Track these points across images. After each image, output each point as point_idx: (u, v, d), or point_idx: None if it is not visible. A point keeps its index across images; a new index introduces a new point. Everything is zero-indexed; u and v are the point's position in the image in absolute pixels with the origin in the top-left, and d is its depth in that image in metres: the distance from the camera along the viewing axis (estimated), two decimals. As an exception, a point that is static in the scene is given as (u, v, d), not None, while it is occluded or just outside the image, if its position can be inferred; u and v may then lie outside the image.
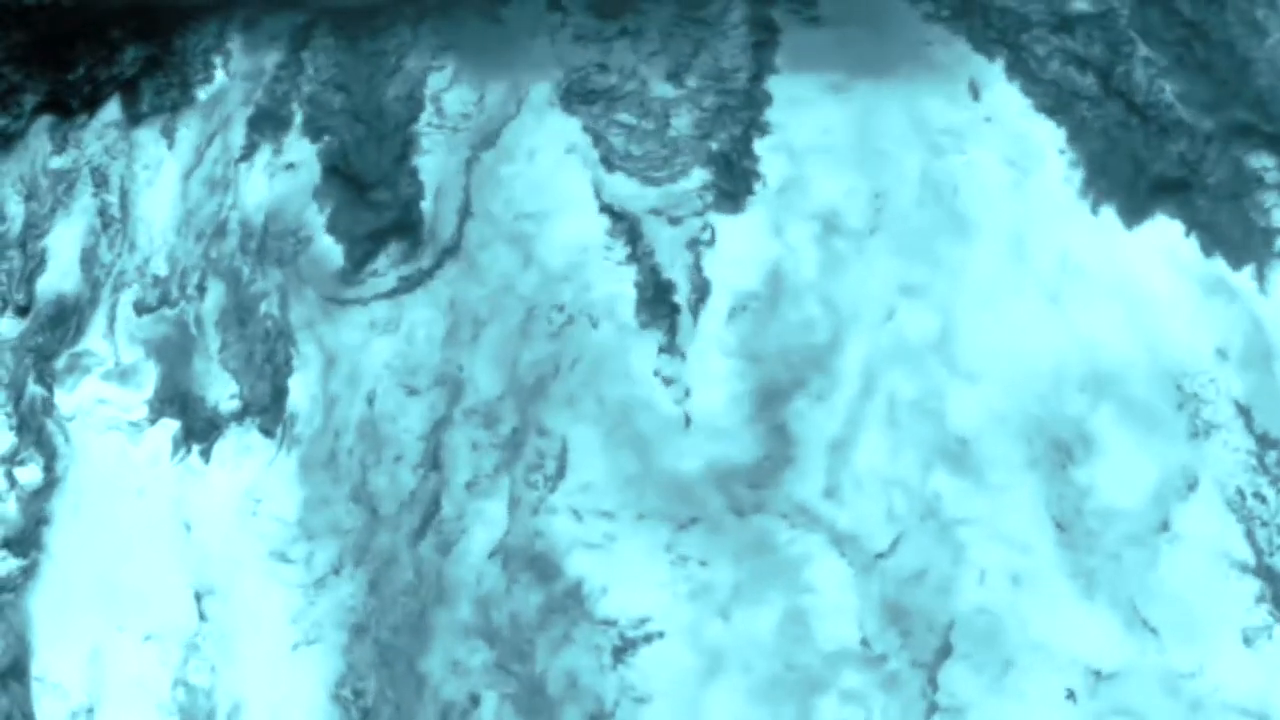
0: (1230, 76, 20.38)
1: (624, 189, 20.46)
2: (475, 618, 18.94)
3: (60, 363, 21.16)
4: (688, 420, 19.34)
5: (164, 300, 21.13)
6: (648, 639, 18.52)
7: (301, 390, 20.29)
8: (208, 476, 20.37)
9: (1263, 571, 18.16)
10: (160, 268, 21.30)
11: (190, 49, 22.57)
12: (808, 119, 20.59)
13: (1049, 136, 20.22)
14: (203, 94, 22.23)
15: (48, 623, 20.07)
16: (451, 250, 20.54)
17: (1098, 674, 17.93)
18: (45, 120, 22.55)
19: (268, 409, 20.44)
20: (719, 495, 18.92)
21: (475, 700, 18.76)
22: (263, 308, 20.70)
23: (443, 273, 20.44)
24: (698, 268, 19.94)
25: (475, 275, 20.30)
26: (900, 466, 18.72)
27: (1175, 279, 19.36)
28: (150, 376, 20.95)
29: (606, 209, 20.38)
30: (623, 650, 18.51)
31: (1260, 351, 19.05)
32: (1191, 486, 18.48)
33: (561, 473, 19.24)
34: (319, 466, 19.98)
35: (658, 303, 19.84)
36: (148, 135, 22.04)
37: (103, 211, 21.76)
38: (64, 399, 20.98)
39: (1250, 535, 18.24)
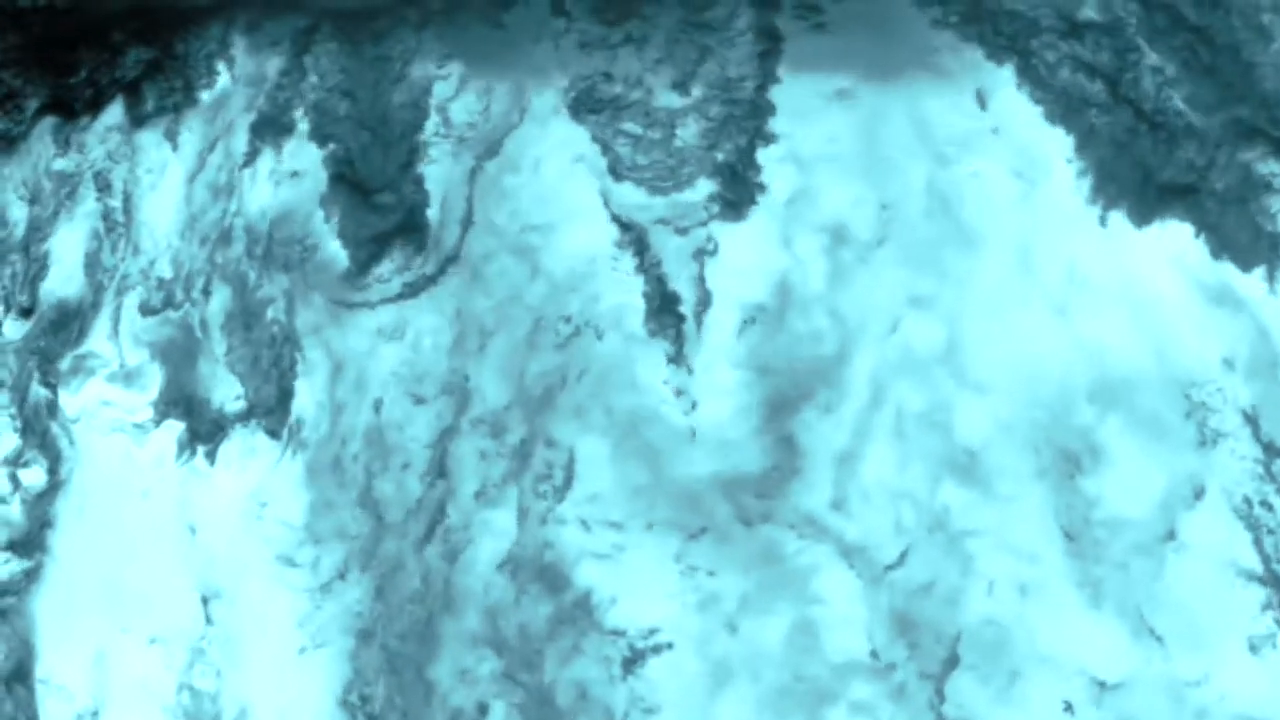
0: (1236, 81, 20.18)
1: (630, 199, 20.20)
2: (484, 627, 18.72)
3: (64, 364, 20.86)
4: (695, 431, 19.08)
5: (169, 302, 20.84)
6: (656, 650, 18.33)
7: (308, 395, 20.02)
8: (213, 478, 20.12)
9: (1269, 579, 17.97)
10: (165, 270, 21.01)
11: (192, 52, 22.24)
12: (814, 128, 20.32)
13: (1056, 145, 19.94)
14: (206, 96, 21.91)
15: (52, 625, 19.80)
16: (456, 259, 20.31)
17: (1104, 684, 17.76)
18: (48, 122, 22.21)
19: (273, 410, 20.18)
20: (727, 506, 18.68)
21: (484, 709, 18.55)
22: (269, 313, 20.45)
23: (448, 280, 20.22)
24: (705, 279, 19.72)
25: (481, 286, 20.04)
26: (908, 478, 18.51)
27: (1182, 288, 19.15)
28: (155, 378, 20.66)
29: (613, 220, 20.12)
30: (632, 661, 18.29)
31: (1267, 361, 18.85)
32: (1199, 495, 18.28)
33: (570, 483, 19.00)
34: (325, 471, 19.72)
35: (665, 314, 19.60)
36: (151, 139, 21.73)
37: (106, 215, 21.45)
38: (68, 401, 20.71)
39: (1258, 543, 18.09)
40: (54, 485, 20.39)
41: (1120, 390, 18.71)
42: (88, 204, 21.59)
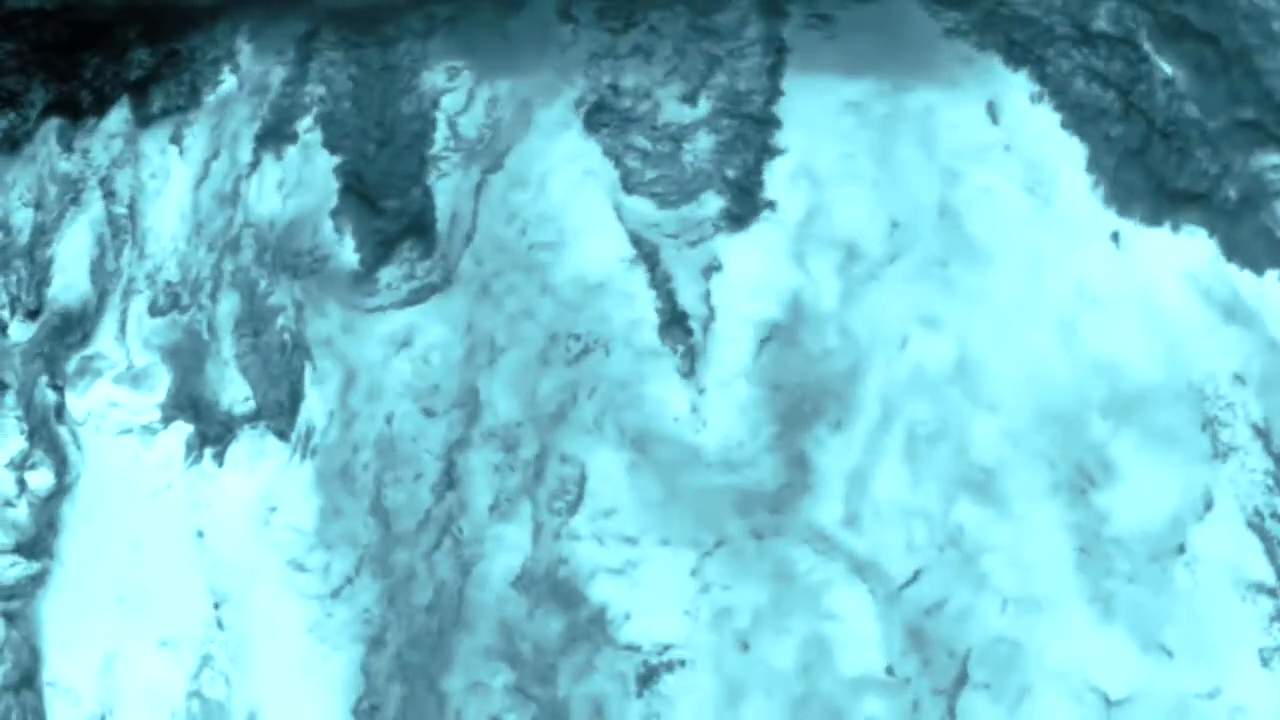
0: (1247, 88, 19.86)
1: (640, 215, 19.89)
2: (497, 640, 18.52)
3: (71, 366, 20.62)
4: (708, 447, 18.81)
5: (176, 304, 20.58)
6: (670, 666, 18.13)
7: (319, 403, 19.81)
8: (221, 480, 19.89)
9: (1280, 591, 17.16)
10: (172, 274, 20.73)
11: (198, 53, 21.93)
12: (824, 142, 19.96)
13: (1068, 158, 19.62)
14: (211, 99, 21.60)
15: (60, 628, 19.64)
16: (464, 274, 20.05)
17: (1114, 699, 17.60)
18: (53, 124, 21.92)
19: (282, 412, 19.95)
20: (741, 521, 18.45)
21: (497, 723, 17.75)
22: (279, 320, 20.21)
23: (457, 293, 19.97)
24: (716, 295, 19.43)
25: (491, 301, 19.75)
26: (920, 495, 18.28)
27: (1194, 303, 18.86)
28: (163, 380, 20.44)
29: (623, 236, 19.80)
30: (647, 678, 18.10)
31: (1278, 376, 18.56)
32: (1210, 508, 18.05)
33: (583, 499, 18.74)
34: (335, 478, 19.50)
35: (677, 330, 19.31)
36: (156, 143, 21.50)
37: (111, 219, 21.18)
38: (75, 402, 20.48)
39: (1269, 555, 17.89)
40: (61, 487, 20.17)
41: (1133, 405, 18.42)
42: (93, 208, 21.30)
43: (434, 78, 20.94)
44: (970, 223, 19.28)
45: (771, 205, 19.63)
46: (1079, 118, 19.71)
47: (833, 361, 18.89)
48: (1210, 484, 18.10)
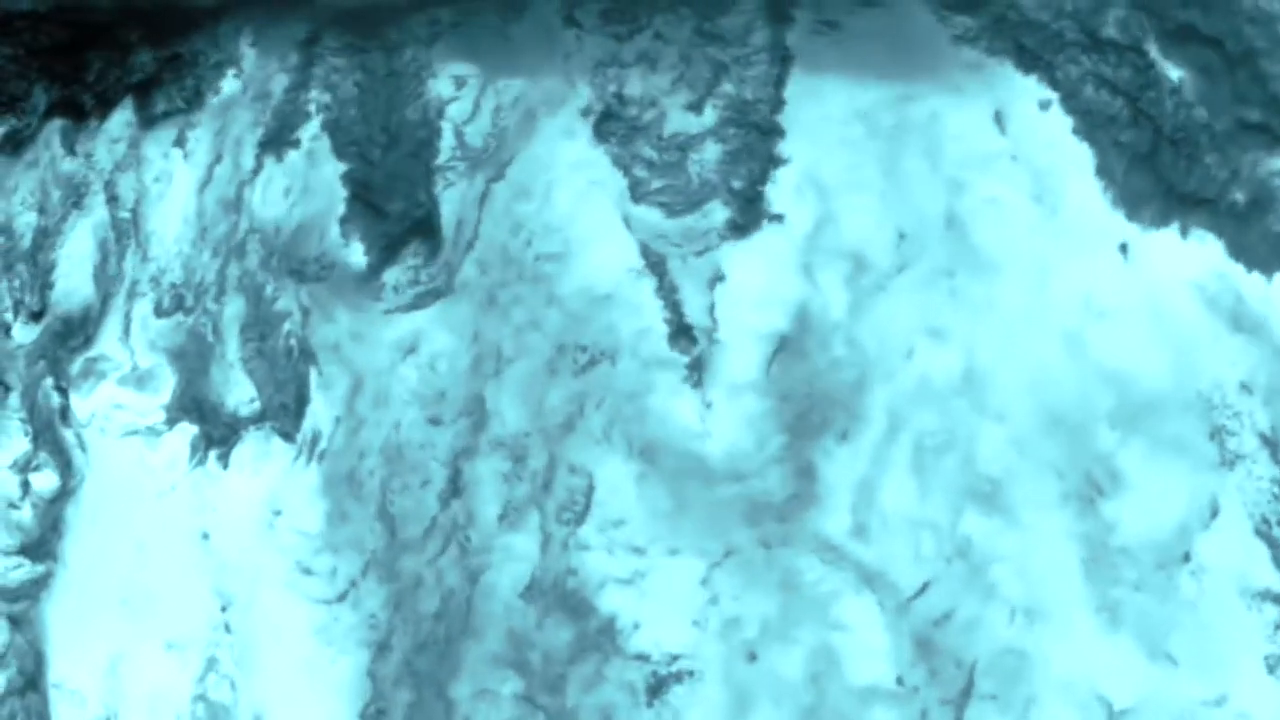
0: (1254, 92, 19.51)
1: (647, 226, 19.57)
2: (506, 648, 18.34)
3: (75, 368, 20.40)
4: (716, 458, 18.58)
5: (180, 306, 20.34)
6: (679, 677, 17.96)
7: (325, 409, 19.58)
8: (227, 482, 19.67)
9: (1286, 599, 17.11)
10: (176, 276, 20.49)
11: (201, 55, 21.58)
12: (831, 152, 19.63)
13: (1077, 165, 19.30)
14: (215, 101, 21.31)
15: (65, 631, 19.44)
16: (470, 283, 19.79)
17: (1119, 708, 17.45)
18: (56, 124, 21.60)
19: (287, 413, 19.72)
20: (749, 532, 18.26)
21: (506, 731, 17.67)
22: (286, 326, 19.97)
23: (462, 302, 19.71)
24: (723, 306, 19.14)
25: (497, 312, 19.49)
26: (928, 506, 18.06)
27: (1201, 313, 18.59)
28: (167, 381, 20.20)
29: (629, 246, 19.51)
30: (656, 688, 17.95)
31: (1286, 384, 17.88)
32: (1216, 516, 17.84)
33: (592, 509, 18.53)
34: (342, 482, 19.29)
35: (684, 341, 19.05)
36: (159, 146, 21.20)
37: (115, 222, 20.93)
38: (80, 404, 20.26)
39: (1277, 562, 17.67)
40: (66, 489, 19.96)
41: (1141, 414, 18.20)
42: (96, 210, 21.01)
43: (440, 86, 20.66)
44: (977, 233, 19.00)
45: (778, 216, 19.32)
46: (1089, 124, 19.42)
47: (840, 372, 18.64)
48: (1217, 492, 17.88)
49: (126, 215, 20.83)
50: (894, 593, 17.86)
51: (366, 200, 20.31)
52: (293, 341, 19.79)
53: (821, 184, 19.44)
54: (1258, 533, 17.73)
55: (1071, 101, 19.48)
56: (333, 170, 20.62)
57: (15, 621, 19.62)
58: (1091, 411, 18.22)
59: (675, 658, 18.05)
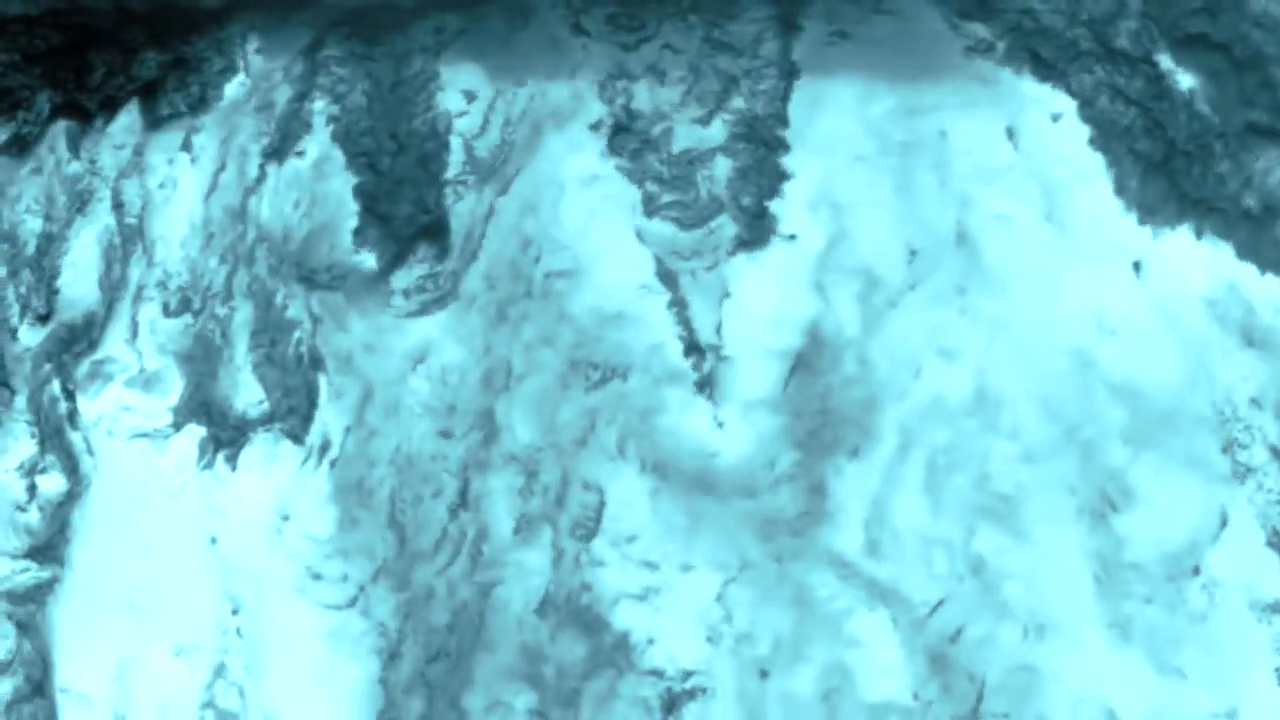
0: (1261, 97, 19.50)
1: (657, 242, 19.41)
2: (519, 662, 18.12)
3: (82, 370, 19.97)
4: (729, 474, 18.40)
5: (187, 307, 19.97)
6: (692, 694, 17.77)
7: (335, 418, 19.27)
8: (235, 485, 19.30)
9: (1295, 610, 17.03)
10: (183, 278, 20.13)
11: (205, 65, 21.19)
12: (842, 167, 19.48)
13: (1089, 179, 19.25)
14: (221, 105, 20.93)
15: (73, 635, 19.04)
16: (480, 297, 19.48)
17: (1132, 723, 16.78)
18: (61, 126, 21.13)
19: (296, 415, 19.38)
20: (762, 548, 18.10)
21: (520, 745, 17.56)
22: (296, 334, 19.64)
23: (472, 315, 19.43)
24: (735, 323, 18.95)
25: (508, 327, 19.23)
26: (941, 522, 17.96)
27: (1213, 328, 18.55)
28: (175, 383, 19.81)
29: (640, 262, 19.32)
30: (671, 704, 17.75)
31: (1296, 397, 17.76)
32: (1228, 530, 17.80)
33: (606, 525, 18.31)
34: (351, 490, 18.97)
35: (697, 357, 18.87)
36: (164, 152, 20.80)
37: (121, 225, 20.51)
38: (87, 406, 19.83)
39: (1286, 574, 17.05)
40: (73, 492, 19.52)
41: (1153, 429, 18.12)
42: (102, 213, 20.61)
43: (448, 100, 20.40)
44: (988, 250, 18.89)
45: (789, 233, 19.16)
46: (1103, 134, 19.33)
47: (852, 390, 18.50)
48: (1230, 506, 17.83)
49: (133, 219, 20.46)
50: (907, 609, 17.71)
51: (375, 209, 20.00)
52: (303, 349, 19.47)
53: (832, 200, 19.26)
54: (1269, 545, 17.64)
55: (1086, 111, 19.36)
56: (341, 179, 20.32)
57: (23, 625, 19.20)
58: (1104, 427, 18.11)
59: (689, 674, 17.85)
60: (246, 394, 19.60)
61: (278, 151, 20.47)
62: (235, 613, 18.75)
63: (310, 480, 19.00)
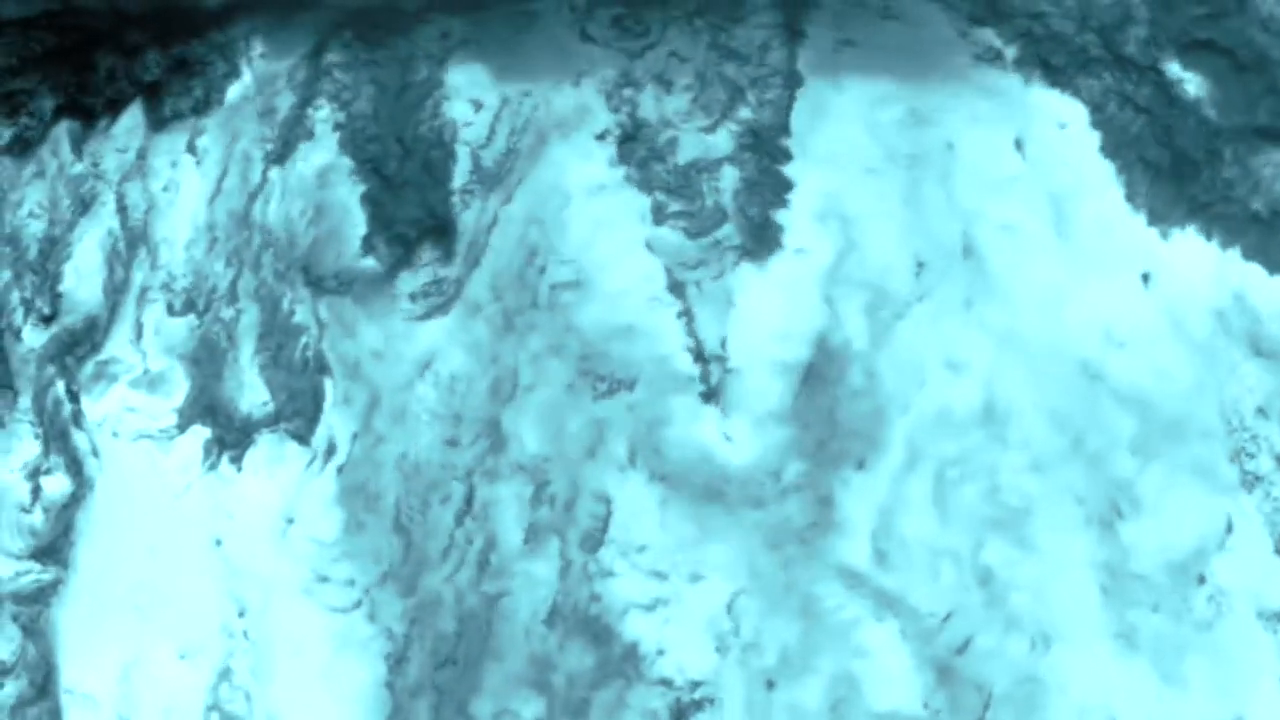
0: (1270, 103, 19.29)
1: (664, 253, 19.14)
2: (528, 669, 17.92)
3: (87, 371, 19.70)
4: (736, 485, 18.19)
5: (192, 308, 19.71)
6: (700, 705, 17.60)
7: (342, 424, 19.03)
8: (240, 486, 19.07)
9: (1302, 618, 17.01)
10: (187, 280, 19.87)
11: (210, 70, 20.87)
12: (848, 178, 19.23)
13: (1097, 188, 19.04)
14: (224, 108, 20.64)
15: (78, 636, 18.84)
16: (486, 306, 19.21)
17: (1137, 734, 16.77)
18: (64, 126, 20.81)
19: (301, 415, 19.14)
20: (770, 558, 17.92)
21: (529, 754, 17.52)
22: (303, 339, 19.40)
23: (479, 324, 19.16)
24: (743, 334, 18.69)
25: (514, 337, 18.99)
26: (949, 533, 17.79)
27: (1219, 338, 18.36)
28: (180, 384, 19.56)
29: (648, 272, 19.06)
30: (679, 716, 17.59)
31: (1301, 406, 17.72)
32: (1235, 539, 17.69)
33: (614, 535, 18.11)
34: (358, 494, 18.75)
35: (705, 369, 18.62)
36: (167, 156, 20.49)
37: (126, 224, 20.23)
38: (91, 407, 19.57)
39: (1291, 582, 17.03)
40: (78, 493, 19.29)
41: (1161, 439, 17.97)
42: (107, 212, 20.31)
43: (455, 109, 20.13)
44: (996, 262, 18.69)
45: (796, 244, 18.93)
46: (1113, 142, 19.14)
47: (860, 401, 18.28)
48: (1237, 514, 17.71)
49: (137, 221, 20.17)
50: (915, 619, 17.56)
51: (382, 214, 19.73)
52: (309, 354, 19.21)
53: (839, 212, 19.03)
54: (1277, 552, 17.56)
55: (1095, 118, 19.20)
56: (347, 183, 20.02)
57: (27, 627, 19.00)
58: (1112, 437, 17.96)
59: (697, 684, 17.67)
60: (251, 395, 19.35)
61: (282, 156, 20.18)
62: (241, 615, 18.52)
63: (316, 483, 18.78)
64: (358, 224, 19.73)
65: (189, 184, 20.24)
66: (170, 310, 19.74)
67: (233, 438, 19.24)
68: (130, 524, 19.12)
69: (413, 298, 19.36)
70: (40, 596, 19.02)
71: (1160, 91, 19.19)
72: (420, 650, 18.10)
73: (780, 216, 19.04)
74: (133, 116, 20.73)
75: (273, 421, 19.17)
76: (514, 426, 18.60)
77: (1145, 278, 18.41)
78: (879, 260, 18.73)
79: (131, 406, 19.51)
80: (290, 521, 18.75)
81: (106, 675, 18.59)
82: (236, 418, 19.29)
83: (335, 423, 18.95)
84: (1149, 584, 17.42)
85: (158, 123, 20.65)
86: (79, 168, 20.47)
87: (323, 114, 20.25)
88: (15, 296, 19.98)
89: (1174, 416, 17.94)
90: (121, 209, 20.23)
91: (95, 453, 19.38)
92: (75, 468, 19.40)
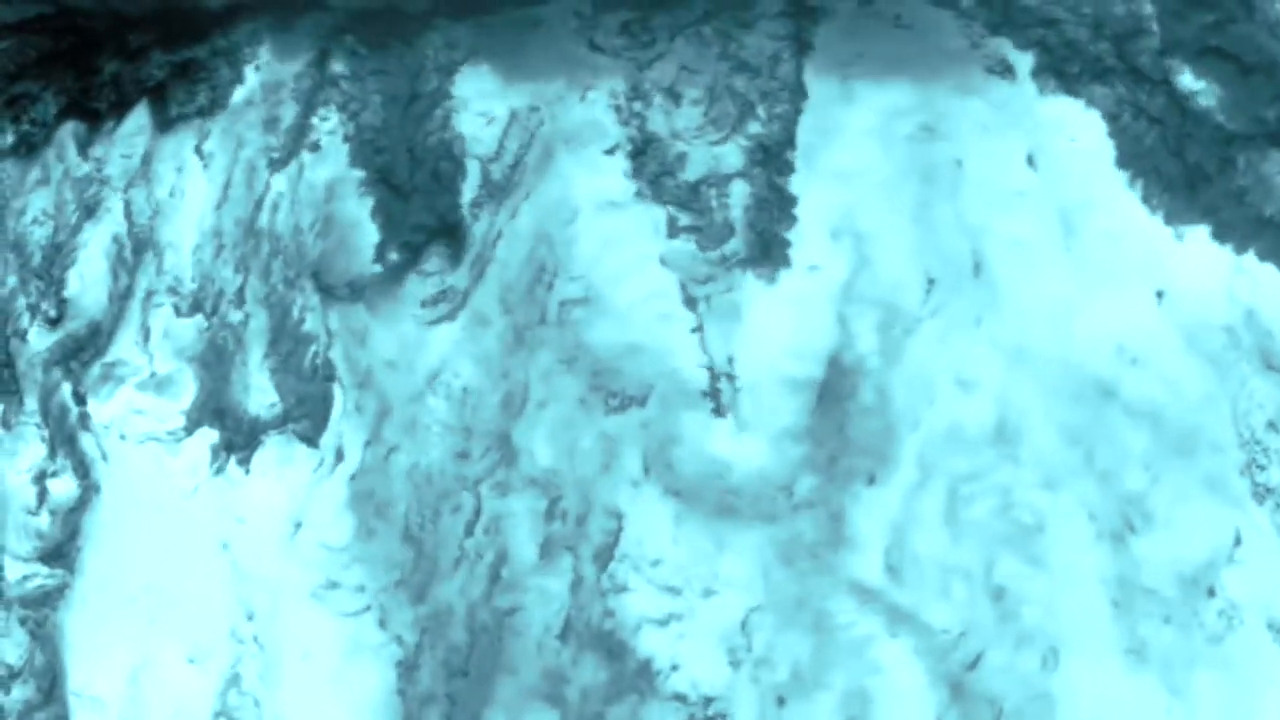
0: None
1: (675, 269, 18.87)
2: (542, 683, 17.76)
3: (93, 373, 19.45)
4: (749, 500, 17.99)
5: (199, 310, 19.44)
6: None
7: (353, 433, 18.80)
8: (249, 488, 18.86)
9: (1312, 632, 17.01)
10: (193, 282, 19.61)
11: (216, 76, 20.54)
12: (858, 193, 18.96)
13: (1109, 202, 18.77)
14: (228, 113, 20.26)
15: (85, 639, 18.68)
16: (495, 320, 18.98)
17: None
18: (69, 128, 20.50)
19: (310, 417, 18.91)
20: (783, 573, 17.74)
21: (543, 766, 17.50)
22: (313, 348, 19.17)
23: (490, 338, 18.91)
24: (754, 351, 18.45)
25: (525, 351, 18.76)
26: (961, 549, 17.62)
27: (1231, 352, 18.13)
28: (187, 386, 19.31)
29: (659, 288, 18.82)
30: None
31: (1313, 422, 17.70)
32: (1246, 551, 17.50)
33: (628, 551, 17.94)
34: (368, 500, 18.55)
35: (716, 385, 18.39)
36: (173, 161, 20.16)
37: (132, 225, 19.93)
38: (98, 410, 19.33)
39: (1302, 594, 17.02)
40: (85, 496, 19.08)
41: (1173, 453, 17.78)
42: (112, 220, 20.01)
43: (463, 121, 19.83)
44: (1007, 276, 18.50)
45: (807, 260, 18.70)
46: (1125, 152, 18.90)
47: (871, 418, 18.08)
48: (1247, 527, 17.54)
49: (143, 225, 19.87)
50: (927, 636, 17.41)
51: (392, 222, 19.46)
52: (319, 361, 18.98)
53: (851, 228, 18.81)
54: (1287, 566, 17.02)
55: (1108, 128, 18.97)
56: (355, 191, 19.74)
57: (35, 630, 18.82)
58: (1123, 453, 17.81)
59: (710, 700, 17.50)
60: (259, 396, 19.13)
61: (290, 165, 19.90)
62: (249, 619, 18.35)
63: (325, 486, 18.61)
64: (368, 233, 19.44)
65: (195, 189, 19.95)
66: (177, 312, 19.48)
67: (240, 440, 19.00)
68: (138, 527, 18.90)
69: (422, 304, 19.10)
70: (48, 600, 18.84)
71: (1173, 102, 18.96)
72: (432, 659, 17.92)
73: (791, 232, 18.80)
74: (138, 119, 20.42)
75: (281, 423, 18.95)
76: (526, 441, 18.41)
77: (1159, 295, 18.22)
78: (890, 277, 18.50)
79: (139, 409, 19.26)
80: (299, 526, 18.55)
81: (114, 679, 18.43)
82: (244, 420, 19.04)
83: (346, 430, 18.74)
84: (1160, 598, 17.25)
85: (163, 124, 20.35)
86: (84, 169, 20.18)
87: (329, 124, 19.97)
88: (21, 302, 19.75)
89: (1185, 430, 17.77)
90: (127, 214, 19.93)
91: (103, 455, 19.13)
92: (82, 470, 19.19)
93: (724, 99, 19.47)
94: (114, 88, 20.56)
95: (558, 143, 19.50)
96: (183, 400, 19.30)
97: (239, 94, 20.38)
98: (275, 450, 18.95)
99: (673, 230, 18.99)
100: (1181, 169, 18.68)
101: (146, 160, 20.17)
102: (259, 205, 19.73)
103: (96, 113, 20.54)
